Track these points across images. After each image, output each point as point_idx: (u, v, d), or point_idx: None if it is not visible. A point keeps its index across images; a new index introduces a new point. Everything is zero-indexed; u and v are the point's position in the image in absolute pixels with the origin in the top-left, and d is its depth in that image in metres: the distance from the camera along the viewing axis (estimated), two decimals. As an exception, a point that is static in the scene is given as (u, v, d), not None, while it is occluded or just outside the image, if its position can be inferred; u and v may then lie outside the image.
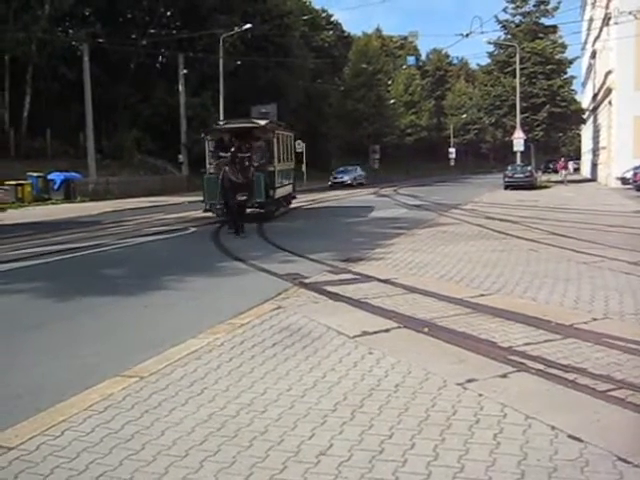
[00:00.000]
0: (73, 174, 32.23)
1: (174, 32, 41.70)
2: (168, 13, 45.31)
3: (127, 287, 8.85)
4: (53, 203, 29.51)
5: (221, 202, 16.30)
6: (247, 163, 14.91)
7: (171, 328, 6.48)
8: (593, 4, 44.96)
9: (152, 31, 40.82)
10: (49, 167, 31.89)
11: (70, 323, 6.98)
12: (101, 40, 36.43)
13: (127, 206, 26.22)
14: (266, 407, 4.17)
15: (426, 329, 5.91)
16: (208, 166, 18.65)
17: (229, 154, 14.79)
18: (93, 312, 7.46)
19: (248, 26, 40.43)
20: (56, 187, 30.96)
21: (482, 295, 7.29)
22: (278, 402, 4.25)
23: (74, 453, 3.57)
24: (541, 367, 4.72)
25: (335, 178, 47.19)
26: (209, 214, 18.40)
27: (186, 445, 3.63)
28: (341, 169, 49.59)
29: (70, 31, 40.72)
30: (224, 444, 3.64)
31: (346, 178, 47.14)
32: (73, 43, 39.23)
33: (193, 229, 16.70)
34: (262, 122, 19.45)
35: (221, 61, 40.02)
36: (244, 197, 14.63)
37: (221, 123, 20.04)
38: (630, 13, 27.88)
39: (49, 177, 31.03)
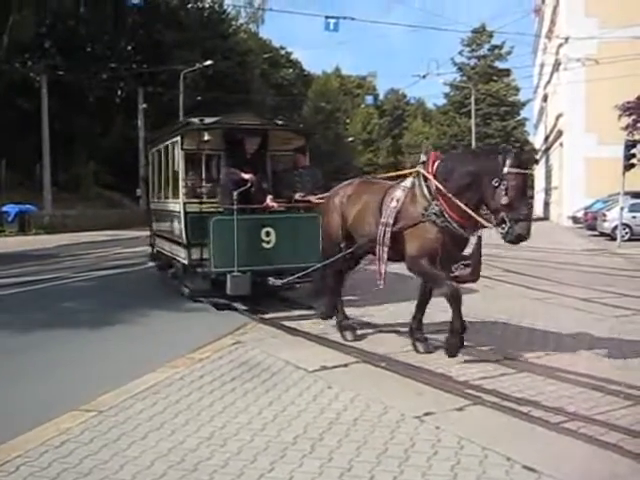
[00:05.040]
0: (28, 206, 31.72)
1: (134, 66, 41.76)
2: (129, 47, 45.34)
3: (85, 321, 8.71)
4: (7, 235, 28.95)
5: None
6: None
7: (129, 362, 6.41)
8: (544, 50, 46.61)
9: (112, 65, 40.80)
10: (3, 199, 31.34)
11: (26, 356, 6.84)
12: (60, 72, 36.22)
13: (83, 239, 25.85)
14: (226, 441, 4.18)
15: (384, 364, 6.00)
16: (183, 196, 9.70)
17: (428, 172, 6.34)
18: (50, 346, 7.33)
19: (209, 63, 40.74)
20: (10, 219, 30.45)
21: (438, 331, 7.40)
22: (238, 436, 4.26)
23: (30, 488, 3.52)
24: (496, 400, 4.83)
25: None
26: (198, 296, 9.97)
27: (146, 479, 3.61)
28: None
29: (29, 63, 40.43)
30: (184, 478, 3.63)
31: None
32: (31, 74, 38.94)
33: (151, 263, 16.54)
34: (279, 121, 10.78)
35: (181, 96, 40.13)
36: (469, 269, 6.34)
37: (209, 120, 9.65)
38: (578, 60, 29.00)
39: (3, 209, 30.53)
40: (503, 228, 5.81)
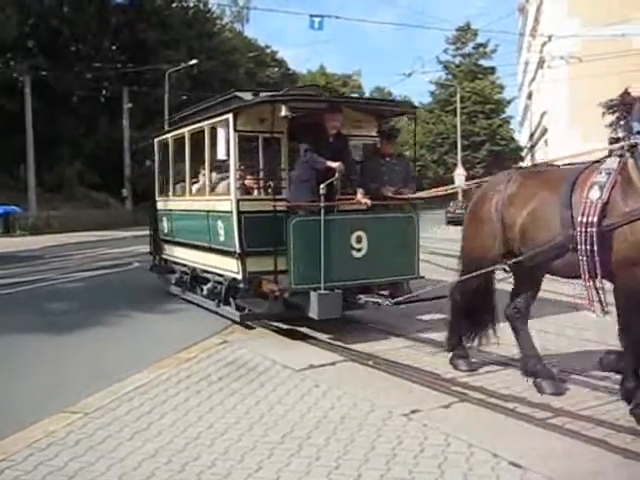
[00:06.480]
0: (12, 207, 31.54)
1: (119, 66, 41.53)
2: (113, 47, 45.08)
3: (71, 322, 8.64)
4: (-9, 237, 28.75)
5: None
6: None
7: (116, 363, 6.37)
8: (528, 48, 46.92)
9: (97, 65, 40.53)
10: (-13, 200, 31.13)
11: (11, 358, 6.77)
12: (44, 72, 35.97)
13: (69, 240, 25.68)
14: (213, 441, 4.17)
15: (371, 362, 6.01)
16: (236, 191, 7.56)
17: None
18: (35, 347, 7.27)
19: (194, 62, 40.63)
20: (-6, 220, 30.28)
21: (427, 328, 7.43)
22: (225, 435, 4.25)
23: (16, 491, 3.50)
24: (483, 397, 4.86)
25: None
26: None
27: (132, 480, 3.60)
28: None
29: (12, 62, 40.09)
30: (171, 478, 3.62)
31: None
32: (14, 74, 38.64)
33: (137, 264, 16.45)
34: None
35: (166, 96, 39.96)
36: None
37: (275, 93, 8.30)
38: (562, 58, 29.25)
39: (-13, 210, 30.35)
40: None
